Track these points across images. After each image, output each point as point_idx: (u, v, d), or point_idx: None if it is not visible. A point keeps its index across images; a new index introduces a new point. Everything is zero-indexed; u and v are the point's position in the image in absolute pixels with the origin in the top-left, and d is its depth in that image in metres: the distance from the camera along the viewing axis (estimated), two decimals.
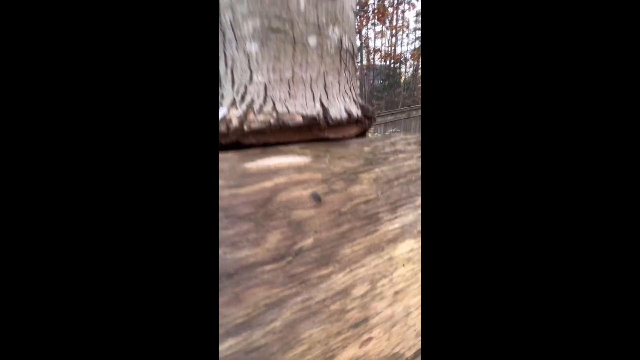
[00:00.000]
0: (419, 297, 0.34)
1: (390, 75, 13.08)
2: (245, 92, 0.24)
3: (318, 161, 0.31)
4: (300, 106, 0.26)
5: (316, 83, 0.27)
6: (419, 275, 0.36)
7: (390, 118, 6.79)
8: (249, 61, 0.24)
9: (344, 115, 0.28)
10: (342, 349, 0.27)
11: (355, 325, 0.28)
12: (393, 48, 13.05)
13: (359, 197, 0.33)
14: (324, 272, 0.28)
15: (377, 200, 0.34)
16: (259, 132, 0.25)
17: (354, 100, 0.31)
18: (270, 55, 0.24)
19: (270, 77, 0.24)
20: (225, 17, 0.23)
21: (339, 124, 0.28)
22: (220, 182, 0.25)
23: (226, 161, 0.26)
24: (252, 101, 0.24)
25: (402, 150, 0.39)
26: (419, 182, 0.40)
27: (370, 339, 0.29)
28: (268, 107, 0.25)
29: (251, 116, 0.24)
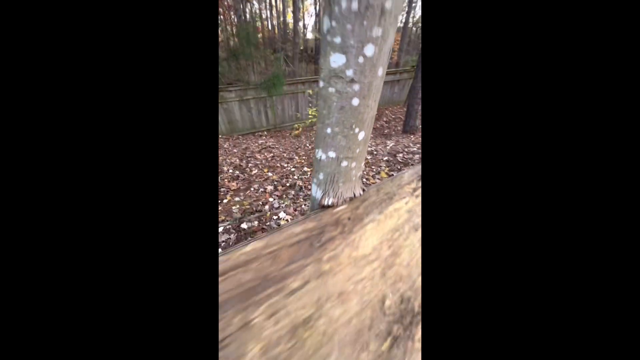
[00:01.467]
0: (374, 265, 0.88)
1: None
2: (327, 195, 0.64)
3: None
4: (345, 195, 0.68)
5: (345, 190, 0.69)
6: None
7: None
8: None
9: (360, 193, 0.72)
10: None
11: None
12: None
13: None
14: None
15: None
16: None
17: (361, 187, 0.75)
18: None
19: (338, 197, 0.64)
20: None
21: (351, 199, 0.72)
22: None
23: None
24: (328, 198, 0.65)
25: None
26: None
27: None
28: (341, 199, 0.66)
29: (327, 201, 0.65)
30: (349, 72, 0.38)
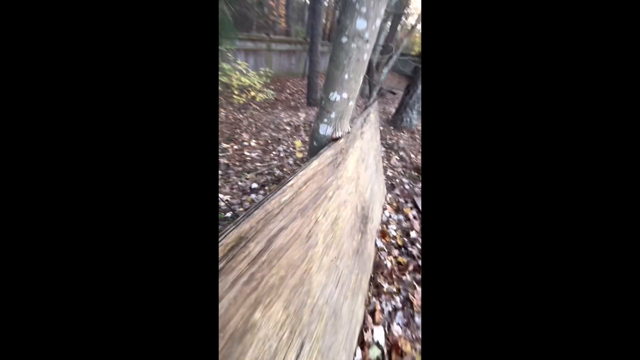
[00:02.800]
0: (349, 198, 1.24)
1: None
2: (336, 130, 0.84)
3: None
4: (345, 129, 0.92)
5: (346, 125, 0.93)
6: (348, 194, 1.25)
7: (250, 45, 6.32)
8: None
9: (348, 129, 0.98)
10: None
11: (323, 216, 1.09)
12: None
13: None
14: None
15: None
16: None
17: (349, 126, 1.01)
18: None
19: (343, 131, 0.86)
20: None
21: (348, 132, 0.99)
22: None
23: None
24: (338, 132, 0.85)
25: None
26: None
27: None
28: (344, 133, 0.88)
29: (338, 134, 0.86)
30: (366, 35, 0.61)
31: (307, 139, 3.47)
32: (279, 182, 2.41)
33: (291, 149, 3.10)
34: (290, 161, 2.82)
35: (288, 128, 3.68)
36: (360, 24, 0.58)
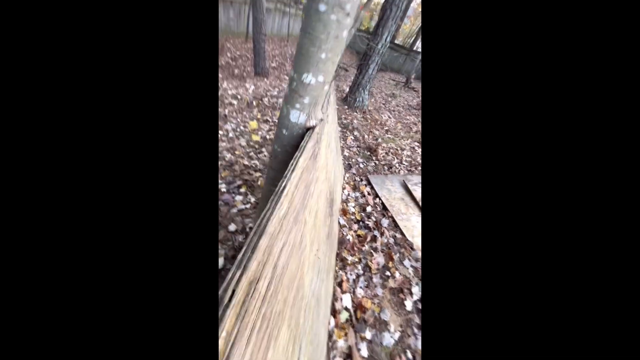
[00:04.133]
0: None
1: None
2: (310, 117, 0.74)
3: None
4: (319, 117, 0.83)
5: (319, 112, 0.83)
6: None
7: None
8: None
9: (321, 116, 0.90)
10: None
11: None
12: None
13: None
14: None
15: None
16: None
17: (322, 112, 0.91)
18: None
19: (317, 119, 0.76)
20: None
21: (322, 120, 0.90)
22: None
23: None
24: (312, 120, 0.75)
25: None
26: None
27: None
28: (318, 121, 0.78)
29: (312, 122, 0.77)
30: (347, 7, 0.52)
31: (259, 115, 3.12)
32: (231, 167, 2.13)
33: (242, 127, 2.73)
34: (243, 142, 2.51)
35: (235, 102, 3.19)
36: None
